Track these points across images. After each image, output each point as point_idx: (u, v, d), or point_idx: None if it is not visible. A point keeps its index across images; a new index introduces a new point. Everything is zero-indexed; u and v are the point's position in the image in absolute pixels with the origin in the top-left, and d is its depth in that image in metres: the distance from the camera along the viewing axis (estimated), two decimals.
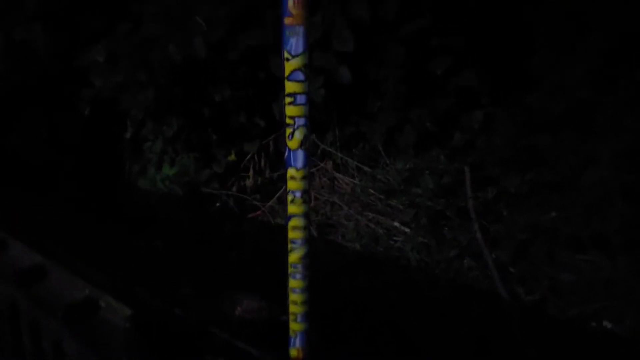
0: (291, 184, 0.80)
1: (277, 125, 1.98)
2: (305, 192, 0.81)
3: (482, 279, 1.73)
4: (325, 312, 1.50)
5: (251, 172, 2.04)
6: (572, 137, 1.96)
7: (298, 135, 0.79)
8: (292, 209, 0.81)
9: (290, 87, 0.78)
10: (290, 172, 0.80)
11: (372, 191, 1.99)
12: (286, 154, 0.81)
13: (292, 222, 0.82)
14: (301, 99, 0.78)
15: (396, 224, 1.90)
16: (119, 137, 2.09)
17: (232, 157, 2.03)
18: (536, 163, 1.94)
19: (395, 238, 1.88)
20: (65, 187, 2.02)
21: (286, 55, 0.78)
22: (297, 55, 0.77)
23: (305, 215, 0.82)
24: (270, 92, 1.95)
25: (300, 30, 0.76)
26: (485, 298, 1.69)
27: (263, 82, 1.96)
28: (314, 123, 2.08)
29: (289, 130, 0.81)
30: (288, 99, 0.79)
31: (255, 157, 2.05)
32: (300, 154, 0.80)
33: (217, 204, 2.03)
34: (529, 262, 1.73)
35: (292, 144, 0.80)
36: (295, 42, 0.77)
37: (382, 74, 1.95)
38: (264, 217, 1.98)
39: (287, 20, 0.77)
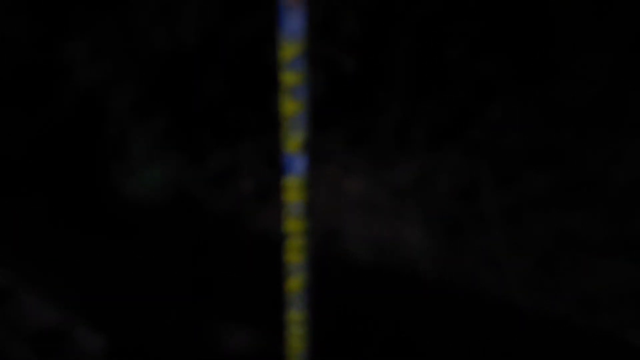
0: (289, 195, 0.64)
1: (273, 122, 1.81)
2: (305, 205, 0.65)
3: (502, 289, 1.58)
4: (332, 325, 1.38)
5: (246, 174, 1.87)
6: (598, 133, 1.81)
7: (297, 136, 0.63)
8: (289, 225, 0.65)
9: (288, 78, 0.64)
10: (288, 180, 0.65)
11: (381, 193, 1.82)
12: (283, 159, 0.65)
13: (290, 242, 0.67)
14: (301, 92, 0.64)
15: (407, 228, 1.73)
16: (103, 134, 1.92)
17: (226, 157, 1.86)
18: (559, 161, 1.78)
19: (406, 244, 1.72)
20: (45, 185, 1.87)
21: (283, 40, 0.64)
22: (296, 41, 0.64)
23: (305, 233, 0.66)
24: (267, 86, 1.79)
25: (300, 12, 0.64)
26: (505, 310, 1.55)
27: (259, 75, 1.79)
28: (316, 119, 1.94)
29: (285, 130, 0.65)
30: (285, 93, 0.64)
31: (251, 157, 1.88)
32: (299, 159, 0.64)
33: (208, 209, 1.87)
34: (552, 269, 1.58)
35: (290, 146, 0.65)
36: (294, 26, 0.63)
37: (391, 60, 1.79)
38: (260, 224, 1.82)
39: (286, 1, 0.64)
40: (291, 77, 0.65)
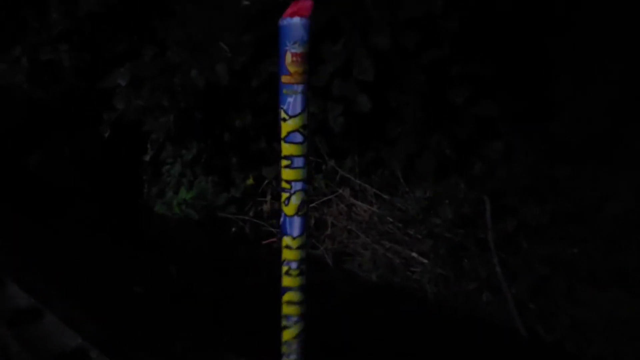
0: (286, 254, 0.72)
1: None
2: (302, 263, 0.73)
3: (501, 314, 1.69)
4: (338, 343, 1.48)
5: (268, 197, 2.03)
6: (592, 168, 1.94)
7: (295, 200, 0.70)
8: (286, 281, 0.72)
9: (287, 149, 0.70)
10: (286, 240, 0.72)
11: (390, 219, 1.97)
12: (282, 219, 0.73)
13: (287, 296, 0.73)
14: (299, 162, 0.70)
15: (414, 254, 1.87)
16: (139, 159, 2.10)
17: (251, 181, 2.03)
18: (556, 194, 1.91)
19: (412, 269, 1.86)
20: (83, 208, 2.04)
21: (283, 114, 0.70)
22: (295, 116, 0.69)
23: (302, 289, 0.74)
24: None
25: (299, 88, 0.69)
26: (503, 334, 1.65)
27: None
28: (333, 149, 2.10)
29: (285, 195, 0.71)
30: (285, 162, 0.71)
31: (273, 183, 2.04)
32: (297, 221, 0.72)
33: (233, 229, 2.03)
34: (548, 297, 1.69)
35: (289, 209, 0.71)
36: (293, 102, 0.69)
37: (402, 100, 1.95)
38: (279, 244, 1.96)
39: (285, 79, 0.69)
40: (291, 149, 0.69)
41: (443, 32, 1.82)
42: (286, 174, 0.73)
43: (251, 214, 2.05)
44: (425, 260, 1.85)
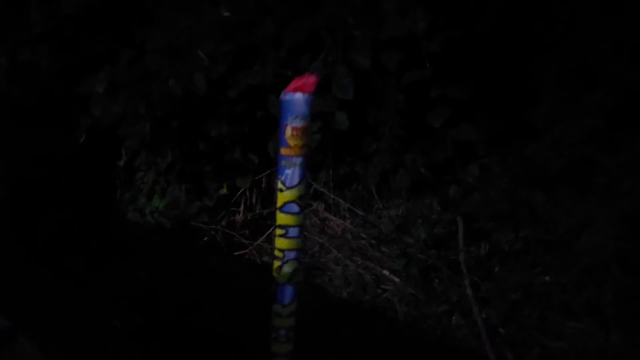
0: (276, 321, 0.74)
1: (271, 162, 1.95)
2: (291, 330, 0.75)
3: (471, 338, 1.68)
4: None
5: (242, 208, 2.01)
6: (570, 196, 1.93)
7: (287, 268, 0.72)
8: (275, 347, 0.74)
9: (282, 219, 0.72)
10: (276, 308, 0.74)
11: (363, 236, 1.95)
12: (274, 288, 0.74)
13: None
14: (293, 232, 0.72)
15: (386, 272, 1.86)
16: (113, 163, 2.07)
17: (224, 190, 2.01)
18: (531, 219, 1.90)
19: (383, 287, 1.84)
20: (55, 208, 2.00)
21: (280, 185, 0.72)
22: (292, 187, 0.71)
23: (289, 355, 0.76)
24: (266, 130, 1.94)
25: (298, 161, 0.71)
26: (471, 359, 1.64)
27: (260, 119, 1.95)
28: (308, 163, 2.08)
29: (277, 264, 0.74)
30: (279, 231, 0.73)
31: (247, 193, 2.02)
32: (288, 289, 0.73)
33: (205, 238, 2.00)
34: (519, 325, 1.68)
35: (280, 277, 0.73)
36: (291, 174, 0.71)
37: (380, 118, 1.94)
38: (251, 256, 1.94)
39: (284, 151, 0.71)
40: (285, 219, 0.70)
41: (425, 54, 1.82)
42: (280, 242, 0.73)
43: (223, 223, 2.02)
44: (397, 279, 1.83)
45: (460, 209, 1.89)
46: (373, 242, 1.94)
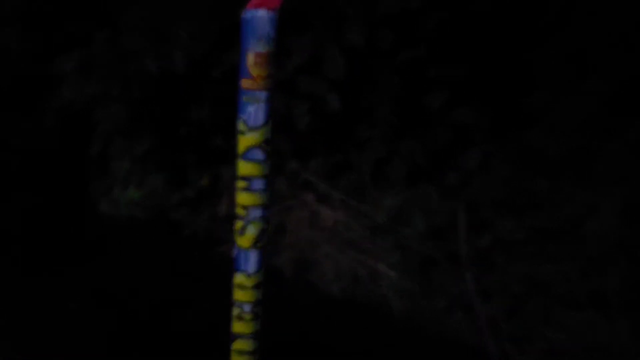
0: (239, 294, 0.60)
1: None
2: (257, 305, 0.61)
3: (472, 334, 1.57)
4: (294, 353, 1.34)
5: (225, 199, 1.88)
6: (571, 183, 1.86)
7: (252, 230, 0.59)
8: (237, 327, 0.60)
9: (244, 167, 0.60)
10: (239, 278, 0.60)
11: (356, 227, 1.83)
12: (234, 252, 0.60)
13: (237, 345, 0.61)
14: (258, 183, 0.60)
15: (381, 266, 1.74)
16: (86, 152, 1.93)
17: (206, 181, 1.87)
18: (534, 208, 1.82)
19: (378, 282, 1.72)
20: (19, 196, 1.85)
21: (241, 127, 0.60)
22: (256, 128, 0.59)
23: (256, 336, 0.62)
24: None
25: (263, 96, 0.59)
26: (474, 356, 1.53)
27: None
28: (296, 148, 1.97)
29: (239, 223, 0.59)
30: (241, 183, 0.60)
31: (231, 183, 1.89)
32: (253, 255, 0.60)
33: (186, 232, 1.86)
34: (522, 318, 1.58)
35: (243, 241, 0.60)
36: (254, 112, 0.59)
37: (374, 101, 1.84)
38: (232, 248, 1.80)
39: (246, 83, 0.59)
40: (248, 168, 0.59)
41: (420, 32, 1.73)
42: (242, 197, 0.61)
43: (205, 216, 1.88)
44: (393, 273, 1.72)
45: (460, 197, 1.79)
46: (367, 234, 1.82)
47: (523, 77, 2.03)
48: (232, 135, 2.10)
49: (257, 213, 0.60)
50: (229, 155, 1.93)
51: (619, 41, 1.98)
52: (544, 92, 2.04)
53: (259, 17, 0.58)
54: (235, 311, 0.62)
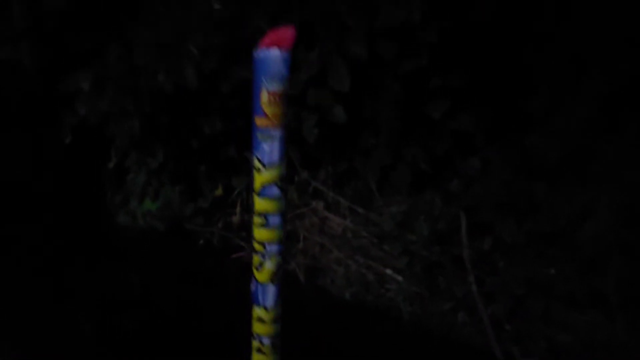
0: (258, 328, 0.61)
1: None
2: (276, 337, 0.63)
3: (477, 335, 1.64)
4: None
5: (238, 209, 1.94)
6: (570, 185, 1.91)
7: (269, 265, 0.60)
8: (257, 359, 0.61)
9: (260, 204, 0.60)
10: (258, 312, 0.61)
11: (364, 234, 1.90)
12: (252, 287, 0.62)
13: None
14: (275, 220, 0.60)
15: (388, 271, 1.80)
16: (102, 164, 1.99)
17: (219, 191, 1.93)
18: (533, 211, 1.87)
19: (387, 286, 1.79)
20: (41, 215, 1.91)
21: (257, 164, 0.60)
22: (271, 166, 0.59)
23: None
24: None
25: (277, 133, 0.58)
26: (479, 357, 1.60)
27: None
28: (306, 159, 2.03)
29: (257, 259, 0.61)
30: (258, 220, 0.61)
31: (244, 193, 1.95)
32: (271, 290, 0.61)
33: (201, 241, 1.93)
34: (525, 319, 1.65)
35: (261, 276, 0.61)
36: (269, 149, 0.59)
37: (378, 110, 1.89)
38: (249, 258, 1.87)
39: (260, 121, 0.58)
40: (264, 204, 0.59)
41: (421, 43, 1.78)
42: (259, 233, 0.62)
43: (220, 225, 1.95)
44: (400, 278, 1.78)
45: (462, 202, 1.85)
46: (375, 240, 1.89)
47: (522, 81, 2.07)
48: (243, 146, 2.15)
49: (274, 248, 0.62)
50: (240, 167, 2.01)
51: (618, 44, 2.02)
52: (543, 96, 2.09)
53: (272, 57, 0.58)
54: (255, 344, 0.64)
